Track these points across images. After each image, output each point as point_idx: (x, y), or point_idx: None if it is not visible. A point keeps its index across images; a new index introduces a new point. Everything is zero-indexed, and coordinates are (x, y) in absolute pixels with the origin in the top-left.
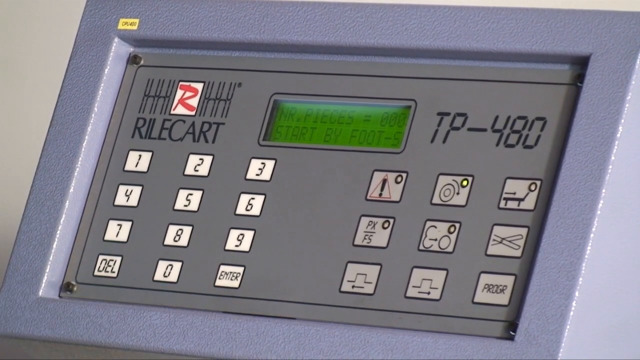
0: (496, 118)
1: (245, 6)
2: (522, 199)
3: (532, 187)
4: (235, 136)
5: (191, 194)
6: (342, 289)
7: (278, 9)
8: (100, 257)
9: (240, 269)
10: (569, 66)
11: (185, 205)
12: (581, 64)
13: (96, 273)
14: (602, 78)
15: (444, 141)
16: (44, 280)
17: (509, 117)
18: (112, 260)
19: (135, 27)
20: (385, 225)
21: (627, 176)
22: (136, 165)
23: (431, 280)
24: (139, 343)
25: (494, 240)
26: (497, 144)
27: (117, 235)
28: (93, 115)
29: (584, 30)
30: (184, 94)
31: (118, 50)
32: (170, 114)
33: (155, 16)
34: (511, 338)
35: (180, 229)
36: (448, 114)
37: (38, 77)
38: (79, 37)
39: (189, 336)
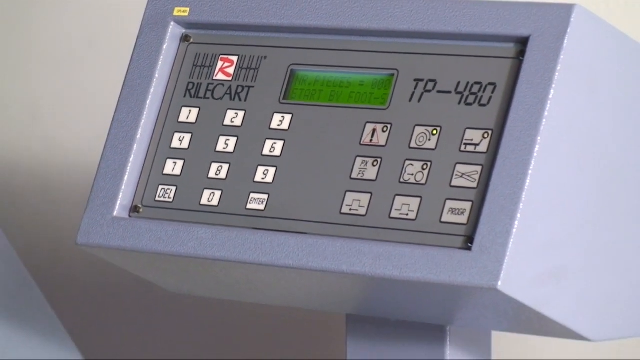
0: (458, 83)
1: None
2: (478, 144)
3: (485, 135)
4: (261, 96)
5: (228, 140)
6: (342, 211)
7: (295, 0)
8: (160, 187)
9: (265, 196)
10: (513, 44)
11: (224, 148)
12: (523, 43)
13: (157, 199)
14: (538, 53)
15: (419, 100)
16: (117, 204)
17: (468, 83)
18: (169, 189)
19: (186, 14)
20: (375, 163)
21: (558, 127)
22: (187, 118)
23: (409, 205)
24: (188, 251)
25: (456, 175)
26: (459, 103)
27: (172, 170)
28: (154, 80)
29: (525, 18)
30: (223, 64)
31: (173, 31)
32: (212, 79)
33: (202, 6)
34: (469, 249)
35: (220, 166)
36: (422, 80)
37: (115, 51)
38: (143, 22)
39: (226, 246)
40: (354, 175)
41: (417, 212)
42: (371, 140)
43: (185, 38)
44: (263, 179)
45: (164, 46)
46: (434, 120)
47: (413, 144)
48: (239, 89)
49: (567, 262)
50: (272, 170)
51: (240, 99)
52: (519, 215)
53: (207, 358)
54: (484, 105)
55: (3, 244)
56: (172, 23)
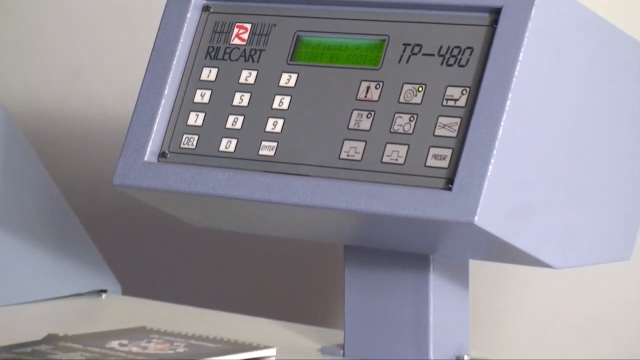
0: (441, 47)
1: None
2: (457, 100)
3: (464, 92)
4: (271, 58)
5: (243, 95)
6: (340, 157)
7: None
8: (184, 136)
9: (275, 144)
10: (488, 14)
11: (239, 103)
12: (496, 12)
13: (181, 146)
14: (509, 22)
15: (407, 62)
16: (147, 150)
17: (449, 47)
18: (192, 137)
19: None
20: (369, 116)
21: (527, 85)
22: (207, 77)
23: (398, 151)
24: (208, 191)
25: (439, 126)
26: (441, 64)
27: (195, 122)
28: (179, 44)
29: None
30: (238, 30)
31: (196, 2)
32: (229, 44)
33: None
34: (449, 189)
35: (236, 118)
36: (410, 44)
37: (147, 19)
38: None
39: (242, 187)
40: (350, 126)
41: (405, 157)
42: (366, 96)
43: (206, 8)
44: (273, 129)
45: (188, 15)
46: (420, 79)
47: (402, 99)
48: (252, 52)
49: (535, 200)
50: (280, 121)
51: (253, 61)
52: (492, 160)
53: (225, 281)
54: (462, 66)
55: (48, 183)
56: None
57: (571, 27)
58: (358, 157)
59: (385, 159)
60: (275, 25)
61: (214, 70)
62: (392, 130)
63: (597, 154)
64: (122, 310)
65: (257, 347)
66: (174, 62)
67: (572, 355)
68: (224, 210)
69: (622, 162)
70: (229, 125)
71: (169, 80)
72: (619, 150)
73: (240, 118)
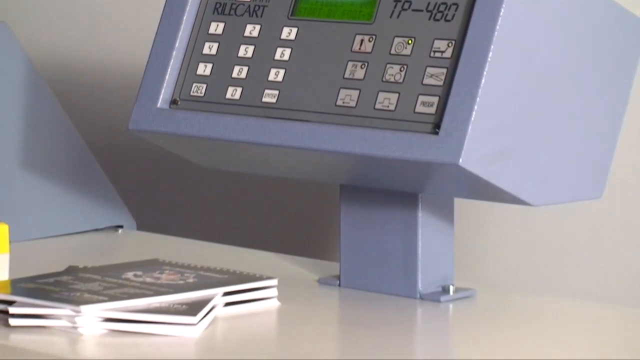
0: (428, 3)
1: None
2: (444, 51)
3: (450, 45)
4: (274, 13)
5: (247, 48)
6: (337, 104)
7: None
8: (194, 84)
9: (277, 92)
10: None
11: (244, 54)
12: None
13: (191, 94)
14: None
15: (398, 17)
16: (160, 98)
17: (436, 3)
18: (201, 86)
19: None
20: (362, 66)
21: (507, 38)
22: (215, 30)
23: (389, 99)
24: (215, 135)
25: (427, 75)
26: (429, 19)
27: (203, 72)
28: (189, 0)
29: None
30: None
31: None
32: (235, 0)
33: None
34: (436, 133)
35: (241, 68)
36: (400, 0)
37: None
38: None
39: (246, 131)
40: (346, 76)
41: (395, 104)
42: (360, 48)
43: None
44: (275, 78)
45: None
46: (410, 33)
47: (393, 51)
48: (256, 8)
49: (515, 143)
50: (282, 71)
51: (257, 16)
52: (476, 107)
53: (231, 217)
54: (448, 21)
55: (69, 128)
56: None
57: None
58: (353, 104)
59: (377, 106)
60: None
61: (221, 25)
62: (384, 79)
63: (572, 101)
64: (137, 244)
65: (260, 278)
66: (184, 17)
67: (547, 286)
68: (230, 153)
69: (594, 109)
70: (234, 75)
71: (180, 33)
72: (591, 99)
73: (245, 68)
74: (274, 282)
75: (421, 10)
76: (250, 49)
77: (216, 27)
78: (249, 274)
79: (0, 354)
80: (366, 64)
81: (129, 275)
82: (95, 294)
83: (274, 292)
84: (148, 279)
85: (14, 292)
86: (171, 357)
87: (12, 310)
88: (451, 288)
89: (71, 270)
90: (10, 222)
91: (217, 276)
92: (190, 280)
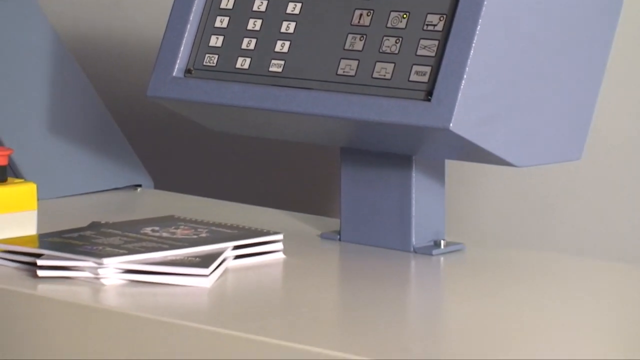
0: None
1: None
2: (436, 25)
3: (441, 19)
4: None
5: (256, 21)
6: (338, 73)
7: None
8: (206, 55)
9: (282, 62)
10: None
11: (253, 27)
12: None
13: (204, 64)
14: None
15: None
16: (176, 67)
17: None
18: (213, 57)
19: None
20: (361, 38)
21: (494, 12)
22: (226, 5)
23: (386, 68)
24: (225, 101)
25: (420, 47)
26: None
27: (215, 43)
28: None
29: None
30: None
31: None
32: None
33: None
34: (429, 100)
35: (250, 40)
36: None
37: None
38: None
39: (254, 98)
40: (346, 47)
41: (392, 74)
42: (359, 22)
43: None
44: (281, 49)
45: None
46: (404, 7)
47: (389, 25)
48: None
49: (501, 109)
50: (287, 43)
51: None
52: (465, 76)
53: (241, 177)
54: None
55: (92, 95)
56: None
57: None
58: (352, 73)
59: (375, 75)
60: None
61: (232, 0)
62: (380, 50)
63: (554, 69)
64: (154, 202)
65: (267, 233)
66: None
67: (530, 239)
68: (239, 118)
69: (574, 78)
70: (243, 46)
71: (194, 8)
72: (572, 68)
73: (254, 40)
74: (280, 236)
75: None
76: (259, 22)
77: (227, 2)
78: (257, 229)
79: (28, 303)
80: (364, 37)
81: (147, 230)
82: (116, 247)
83: (279, 246)
84: (164, 234)
85: (41, 246)
86: (186, 304)
87: (39, 262)
88: (442, 242)
89: (94, 226)
90: (38, 181)
91: (227, 231)
92: (203, 235)
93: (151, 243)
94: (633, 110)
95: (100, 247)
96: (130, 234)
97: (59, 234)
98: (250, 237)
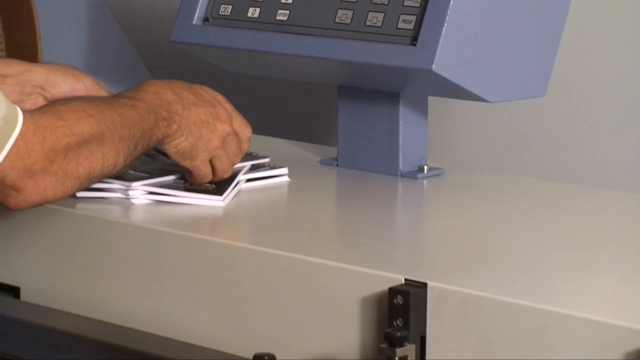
0: None
1: None
2: None
3: None
4: None
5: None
6: (335, 21)
7: None
8: (222, 5)
9: (288, 11)
10: None
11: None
12: None
13: (220, 13)
14: None
15: None
16: (195, 16)
17: None
18: (228, 7)
19: None
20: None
21: None
22: None
23: (377, 17)
24: (238, 46)
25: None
26: None
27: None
28: None
29: None
30: None
31: None
32: None
33: None
34: (414, 45)
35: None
36: None
37: None
38: None
39: (263, 43)
40: (337, 20)
41: (382, 21)
42: None
43: None
44: (286, 0)
45: None
46: None
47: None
48: None
49: (477, 52)
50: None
51: None
52: (446, 24)
53: (253, 110)
54: None
55: (121, 39)
56: None
57: None
58: (348, 21)
59: (367, 23)
60: None
61: None
62: (372, 2)
63: (522, 18)
64: None
65: (274, 167)
66: None
67: (502, 166)
68: (250, 60)
69: (540, 25)
70: (250, 13)
71: None
72: (538, 16)
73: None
74: (285, 170)
75: None
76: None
77: None
78: (267, 163)
79: (69, 220)
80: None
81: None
82: (137, 170)
83: (285, 170)
84: None
85: None
86: (203, 221)
87: None
88: (425, 167)
89: None
90: None
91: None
92: None
93: (171, 171)
94: (589, 55)
95: (124, 171)
96: (145, 157)
97: None
98: (259, 168)
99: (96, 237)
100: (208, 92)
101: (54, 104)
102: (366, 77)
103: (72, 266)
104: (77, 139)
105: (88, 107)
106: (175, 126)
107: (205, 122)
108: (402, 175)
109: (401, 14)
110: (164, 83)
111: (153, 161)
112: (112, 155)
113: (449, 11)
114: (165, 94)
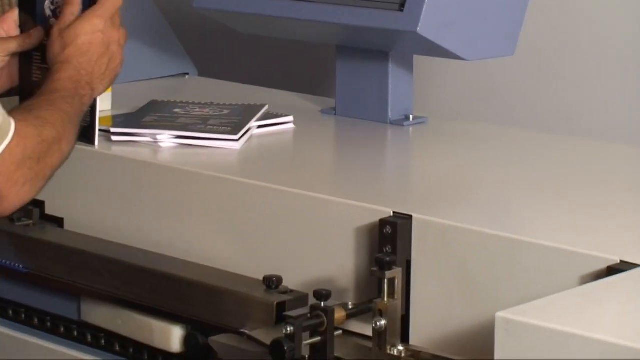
0: None
1: None
2: None
3: None
4: None
5: None
6: None
7: None
8: None
9: None
10: None
11: None
12: None
13: None
14: None
15: None
16: None
17: None
18: None
19: None
20: None
21: None
22: None
23: None
24: (252, 11)
25: None
26: None
27: None
28: None
29: None
30: None
31: None
32: None
33: None
34: (402, 10)
35: None
36: None
37: None
38: None
39: (274, 9)
40: None
41: None
42: None
43: None
44: None
45: None
46: None
47: None
48: None
49: (455, 17)
50: None
51: None
52: None
53: (265, 68)
54: None
55: (150, 4)
56: None
57: None
58: None
59: None
60: None
61: None
62: None
63: None
64: (198, 86)
65: (280, 115)
66: None
67: (477, 116)
68: (263, 23)
69: None
70: None
71: None
72: None
73: None
74: (291, 118)
75: None
76: None
77: None
78: (264, 105)
79: (105, 160)
80: None
81: (196, 109)
82: (168, 121)
83: (290, 118)
84: (206, 110)
85: (115, 120)
86: (221, 162)
87: (112, 129)
88: (411, 116)
89: (152, 103)
90: None
91: (253, 109)
92: (234, 110)
93: (193, 119)
94: (553, 17)
95: (158, 120)
96: (178, 110)
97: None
98: (269, 117)
99: (129, 176)
100: (86, 33)
101: (22, 110)
102: (360, 38)
103: (109, 200)
104: (45, 145)
105: (44, 113)
106: (94, 92)
107: (105, 57)
108: (391, 123)
109: None
110: (66, 65)
111: (185, 116)
112: (67, 148)
113: None
114: (74, 75)
